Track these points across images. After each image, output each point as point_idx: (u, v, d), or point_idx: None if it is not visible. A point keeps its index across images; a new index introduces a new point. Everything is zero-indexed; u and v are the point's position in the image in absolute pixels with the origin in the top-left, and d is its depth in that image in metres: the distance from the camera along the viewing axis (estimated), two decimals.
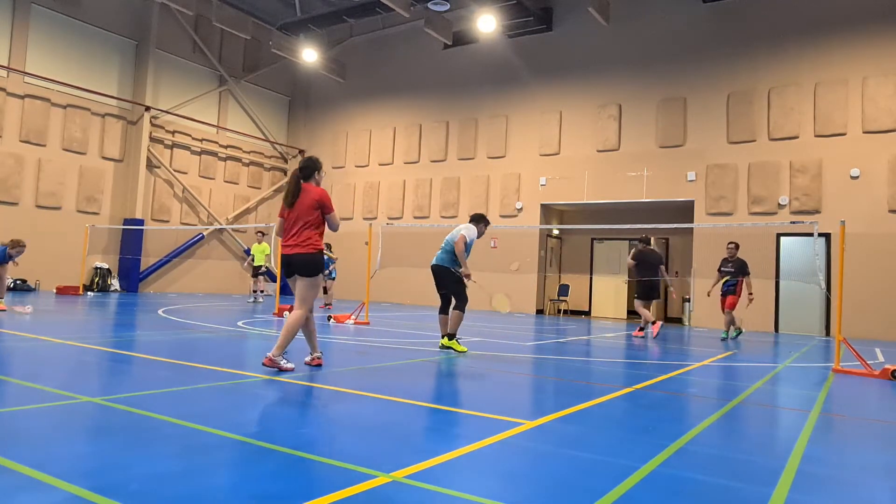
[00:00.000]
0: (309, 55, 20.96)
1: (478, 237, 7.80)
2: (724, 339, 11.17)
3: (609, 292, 18.48)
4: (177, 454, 2.85)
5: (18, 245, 10.31)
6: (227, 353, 6.67)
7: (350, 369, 5.92)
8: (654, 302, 11.84)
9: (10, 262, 10.36)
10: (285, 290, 21.92)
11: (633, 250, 11.82)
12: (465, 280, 7.45)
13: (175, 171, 20.03)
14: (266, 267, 16.03)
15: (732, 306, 11.29)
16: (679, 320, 17.39)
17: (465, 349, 7.37)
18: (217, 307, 14.24)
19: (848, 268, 12.06)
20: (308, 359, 5.64)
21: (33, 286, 16.46)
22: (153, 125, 19.33)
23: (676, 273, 17.79)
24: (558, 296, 18.54)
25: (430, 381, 5.59)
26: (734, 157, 15.58)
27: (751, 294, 11.28)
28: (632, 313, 18.56)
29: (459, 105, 20.12)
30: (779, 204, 14.90)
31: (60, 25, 17.32)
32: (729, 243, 11.71)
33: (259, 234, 16.70)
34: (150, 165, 19.37)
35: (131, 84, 19.02)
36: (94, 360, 5.74)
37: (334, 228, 5.46)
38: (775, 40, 15.30)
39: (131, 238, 18.47)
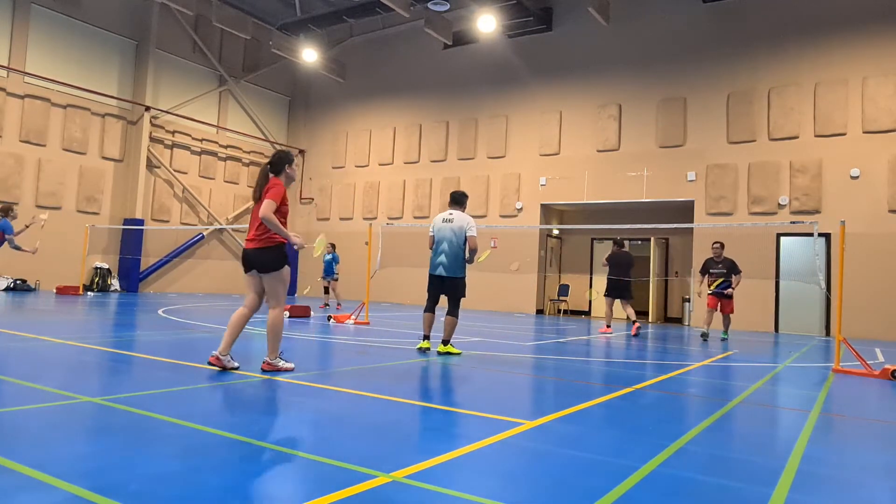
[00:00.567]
0: (309, 55, 20.96)
1: None
2: (724, 339, 11.09)
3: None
4: (177, 454, 2.84)
5: (11, 211, 10.09)
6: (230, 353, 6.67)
7: (350, 369, 5.92)
8: (629, 302, 12.17)
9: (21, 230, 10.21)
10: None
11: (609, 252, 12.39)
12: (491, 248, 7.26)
13: (175, 171, 20.03)
14: None
15: (732, 310, 11.28)
16: (679, 320, 17.39)
17: (460, 351, 7.24)
18: (217, 307, 14.24)
19: (848, 268, 12.05)
20: (212, 356, 5.13)
21: (33, 286, 16.46)
22: (153, 125, 19.33)
23: (676, 273, 17.80)
24: (558, 296, 18.54)
25: (430, 381, 5.59)
26: (734, 157, 15.58)
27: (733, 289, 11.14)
28: None
29: (459, 105, 20.12)
30: (779, 204, 14.90)
31: (60, 25, 17.32)
32: (714, 243, 11.44)
33: None
34: (150, 165, 19.37)
35: (131, 84, 19.02)
36: (94, 360, 5.74)
37: (261, 214, 4.98)
38: (775, 40, 15.30)
39: (131, 238, 18.47)
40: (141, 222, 18.62)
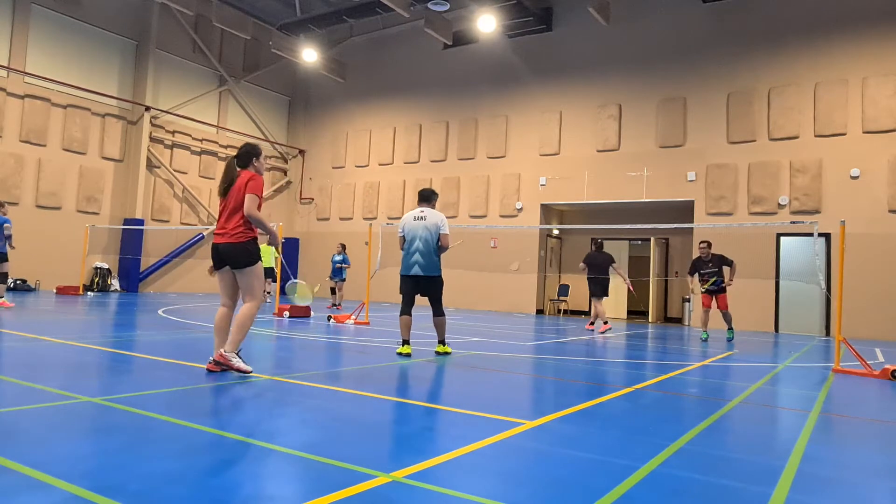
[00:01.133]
0: (309, 55, 20.96)
1: None
2: (730, 340, 10.89)
3: (609, 292, 18.44)
4: (177, 454, 2.84)
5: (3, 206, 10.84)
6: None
7: (350, 369, 5.92)
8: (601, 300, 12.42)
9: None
10: (285, 290, 21.78)
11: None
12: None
13: (175, 171, 20.03)
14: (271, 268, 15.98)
15: (727, 305, 11.03)
16: (679, 320, 17.39)
17: (451, 350, 7.18)
18: (217, 307, 14.22)
19: (848, 268, 12.06)
20: (212, 359, 5.01)
21: (33, 286, 16.47)
22: (153, 125, 19.33)
23: (676, 273, 17.80)
24: (558, 296, 18.54)
25: (430, 381, 5.59)
26: (734, 157, 15.58)
27: (730, 281, 10.96)
28: (632, 313, 18.59)
29: (459, 105, 20.12)
30: (779, 204, 14.90)
31: (60, 25, 17.32)
32: (701, 242, 11.20)
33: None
34: (150, 165, 19.37)
35: (131, 84, 19.02)
36: (94, 360, 5.74)
37: (245, 210, 4.88)
38: (775, 40, 15.30)
39: (131, 238, 18.48)
40: (141, 222, 18.61)
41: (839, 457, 3.50)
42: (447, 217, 20.45)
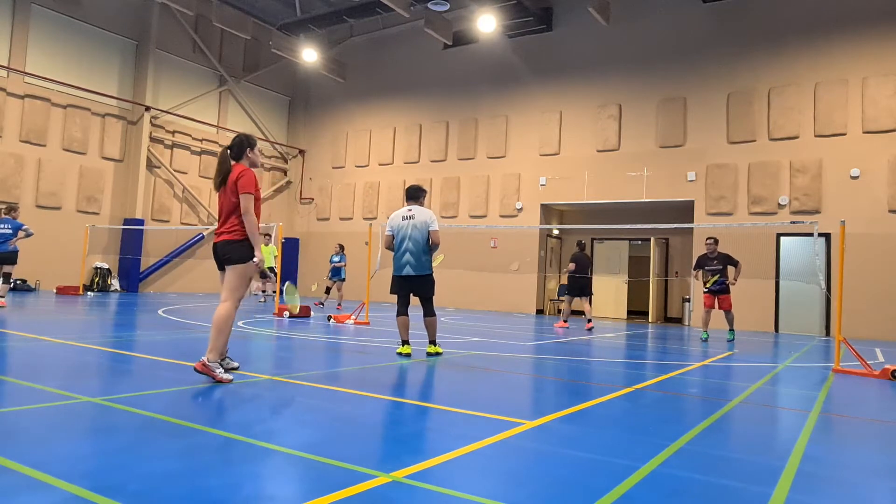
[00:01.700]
0: (309, 55, 20.96)
1: None
2: (730, 341, 10.82)
3: (609, 292, 18.47)
4: (177, 454, 2.84)
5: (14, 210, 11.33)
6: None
7: (350, 369, 5.92)
8: (589, 298, 12.91)
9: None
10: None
11: (572, 255, 13.01)
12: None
13: (175, 171, 20.04)
14: (271, 268, 15.96)
15: (731, 305, 11.02)
16: (679, 320, 17.39)
17: (442, 350, 7.12)
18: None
19: (848, 268, 12.06)
20: (199, 363, 4.66)
21: (33, 286, 16.47)
22: (153, 125, 19.33)
23: (676, 273, 17.80)
24: (558, 296, 18.53)
25: (430, 381, 5.59)
26: (734, 157, 15.58)
27: (734, 281, 10.94)
28: (632, 313, 18.58)
29: (459, 105, 20.12)
30: (779, 204, 14.90)
31: (60, 25, 17.32)
32: (707, 238, 11.17)
33: (266, 236, 16.33)
34: (150, 165, 19.37)
35: (131, 84, 19.02)
36: (94, 360, 5.74)
37: (242, 211, 4.71)
38: (775, 40, 15.30)
39: (131, 238, 18.48)
40: (141, 222, 18.62)
41: (839, 457, 3.50)
42: (447, 217, 20.49)
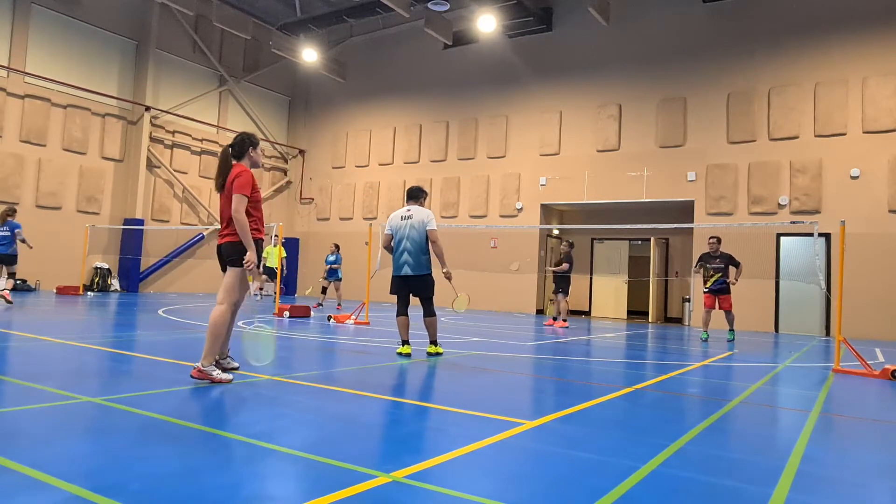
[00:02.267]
0: (309, 55, 20.96)
1: None
2: (730, 341, 10.80)
3: (609, 292, 18.48)
4: (177, 454, 2.84)
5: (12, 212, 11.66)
6: None
7: (350, 369, 5.92)
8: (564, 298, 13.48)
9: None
10: (285, 290, 21.82)
11: (564, 254, 13.50)
12: (449, 280, 6.89)
13: (175, 171, 20.03)
14: (271, 268, 15.94)
15: (731, 305, 11.01)
16: (679, 320, 17.39)
17: (442, 350, 7.12)
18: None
19: (848, 268, 12.06)
20: (195, 370, 4.66)
21: (33, 286, 16.47)
22: (153, 125, 19.33)
23: (676, 273, 17.80)
24: (554, 293, 18.50)
25: (430, 381, 5.59)
26: (734, 157, 15.58)
27: (734, 281, 10.91)
28: (632, 313, 18.58)
29: (459, 105, 20.12)
30: (779, 204, 14.90)
31: (60, 25, 17.32)
32: (710, 238, 11.11)
33: (275, 237, 16.21)
34: (150, 165, 19.37)
35: (131, 84, 19.02)
36: (94, 360, 5.74)
37: (232, 210, 4.61)
38: (775, 40, 15.30)
39: (131, 238, 18.48)
40: (141, 222, 18.62)
41: (839, 457, 3.50)
42: (447, 217, 20.47)
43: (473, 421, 3.86)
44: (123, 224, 18.57)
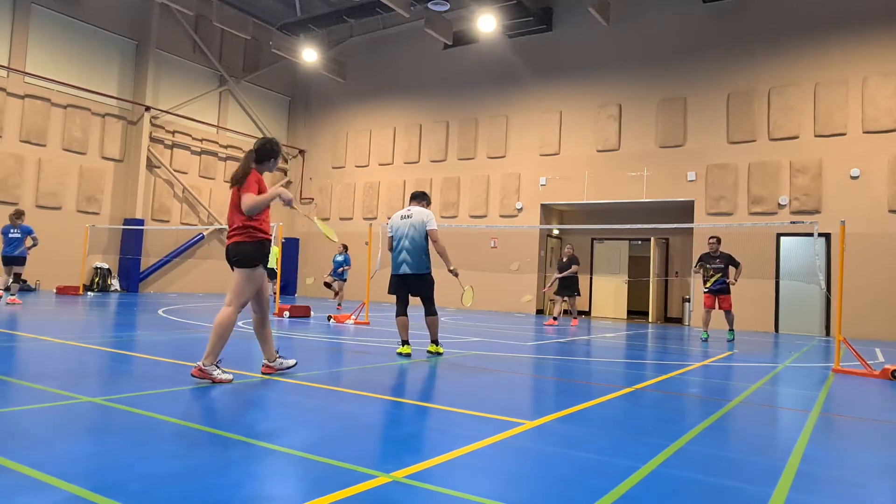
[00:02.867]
0: (309, 55, 20.96)
1: None
2: (730, 341, 10.79)
3: (609, 292, 18.48)
4: (177, 454, 2.85)
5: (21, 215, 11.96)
6: (226, 353, 6.63)
7: (350, 369, 5.92)
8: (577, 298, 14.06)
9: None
10: (285, 290, 21.85)
11: (567, 256, 13.75)
12: (456, 277, 6.98)
13: (175, 171, 20.03)
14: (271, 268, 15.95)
15: (731, 305, 11.00)
16: (679, 320, 17.39)
17: (443, 350, 7.11)
18: (217, 307, 14.23)
19: (848, 268, 12.05)
20: (262, 367, 5.09)
21: (33, 286, 16.47)
22: (153, 125, 19.33)
23: (676, 273, 17.80)
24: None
25: (430, 382, 5.59)
26: (734, 157, 15.58)
27: (734, 281, 10.90)
28: (632, 313, 18.58)
29: (459, 105, 20.12)
30: (779, 204, 14.90)
31: (60, 25, 17.33)
32: (710, 238, 11.09)
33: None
34: (151, 165, 19.37)
35: (131, 84, 19.02)
36: (94, 360, 5.74)
37: (245, 209, 4.66)
38: (775, 40, 15.30)
39: (131, 238, 18.48)
40: (141, 222, 18.62)
41: (839, 457, 3.50)
42: (447, 217, 20.46)
43: (473, 421, 3.86)
44: (123, 224, 18.57)
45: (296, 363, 5.28)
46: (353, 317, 11.14)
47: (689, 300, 16.28)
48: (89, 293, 16.94)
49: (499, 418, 3.90)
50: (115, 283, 18.45)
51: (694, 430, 3.88)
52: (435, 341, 6.99)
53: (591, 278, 19.01)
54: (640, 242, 18.51)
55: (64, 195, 17.44)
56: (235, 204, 4.77)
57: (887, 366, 6.88)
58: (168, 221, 19.89)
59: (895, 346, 11.85)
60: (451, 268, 6.92)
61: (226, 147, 21.63)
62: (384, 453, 3.10)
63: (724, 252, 11.00)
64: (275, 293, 15.41)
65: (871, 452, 3.64)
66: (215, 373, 4.61)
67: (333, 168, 22.91)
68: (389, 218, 7.22)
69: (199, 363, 4.62)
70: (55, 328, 8.09)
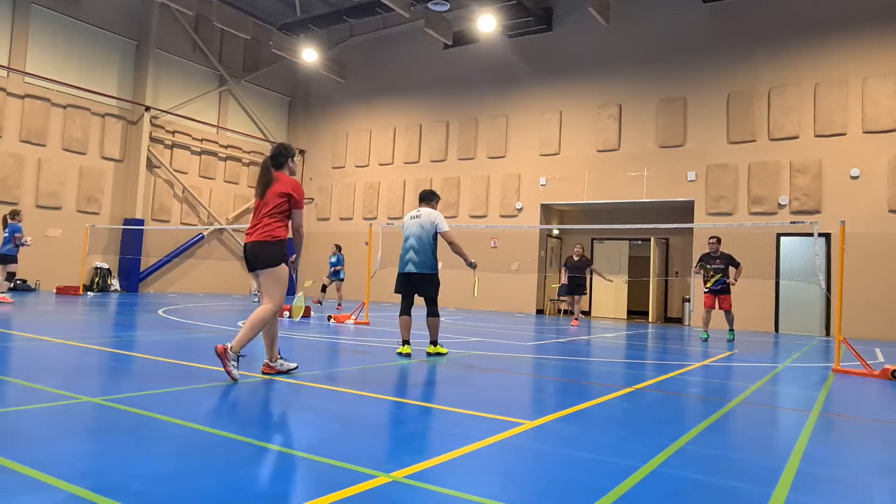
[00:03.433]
0: (309, 55, 20.96)
1: None
2: (730, 341, 10.79)
3: (609, 292, 18.48)
4: (177, 454, 2.85)
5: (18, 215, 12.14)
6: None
7: (350, 369, 5.92)
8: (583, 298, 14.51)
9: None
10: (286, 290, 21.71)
11: (580, 256, 14.07)
12: (473, 269, 7.07)
13: (175, 171, 20.04)
14: None
15: (731, 305, 11.00)
16: (679, 320, 17.39)
17: (447, 351, 7.11)
18: (217, 307, 14.24)
19: (848, 268, 12.06)
20: (263, 367, 5.13)
21: (33, 286, 16.47)
22: (153, 125, 19.33)
23: (676, 273, 17.80)
24: (558, 296, 18.52)
25: (430, 381, 5.58)
26: (734, 157, 15.58)
27: (734, 281, 10.89)
28: (632, 313, 18.59)
29: (459, 105, 20.13)
30: (779, 204, 14.90)
31: (60, 25, 17.33)
32: (710, 238, 11.06)
33: None
34: (150, 165, 19.37)
35: (131, 84, 19.02)
36: (94, 360, 5.74)
37: (296, 226, 5.04)
38: (775, 40, 15.30)
39: (131, 238, 18.48)
40: (141, 222, 18.62)
41: (839, 457, 3.50)
42: (447, 217, 20.45)
43: (473, 421, 3.86)
44: (123, 224, 18.58)
45: (297, 367, 5.28)
46: (353, 317, 11.14)
47: (689, 300, 16.28)
48: (89, 293, 16.94)
49: (499, 418, 3.90)
50: (115, 283, 18.45)
51: (694, 430, 3.88)
52: (434, 342, 6.98)
53: (590, 278, 18.98)
54: (640, 242, 18.52)
55: (64, 195, 17.44)
56: (263, 211, 4.93)
57: (887, 366, 6.88)
58: (168, 221, 19.89)
59: (895, 346, 11.85)
60: (471, 261, 7.06)
61: (226, 147, 21.63)
62: (384, 453, 3.10)
63: (724, 252, 11.00)
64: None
65: (871, 452, 3.64)
66: (231, 363, 4.62)
67: (333, 168, 22.91)
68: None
69: (229, 344, 4.69)
70: (55, 328, 8.09)
